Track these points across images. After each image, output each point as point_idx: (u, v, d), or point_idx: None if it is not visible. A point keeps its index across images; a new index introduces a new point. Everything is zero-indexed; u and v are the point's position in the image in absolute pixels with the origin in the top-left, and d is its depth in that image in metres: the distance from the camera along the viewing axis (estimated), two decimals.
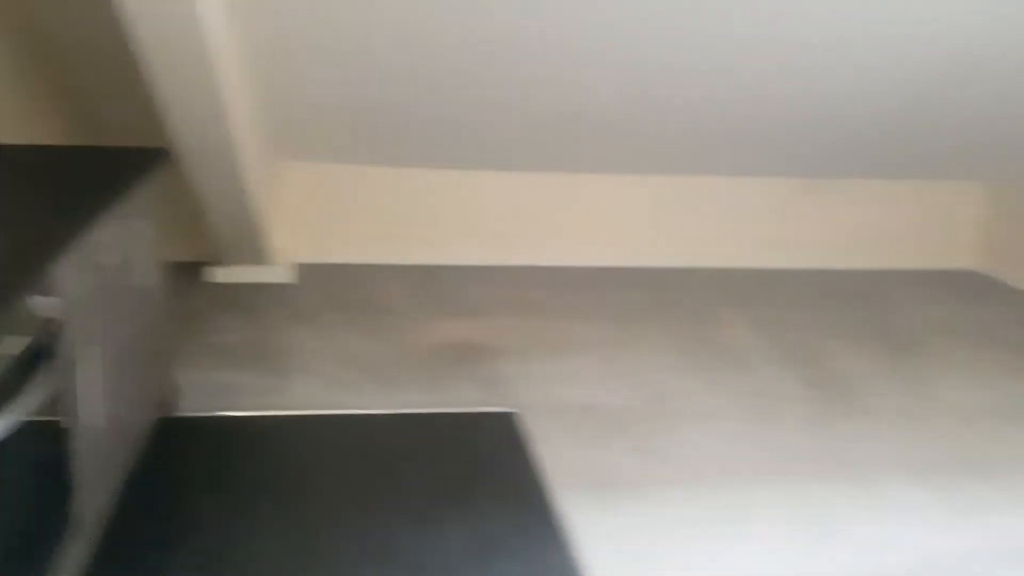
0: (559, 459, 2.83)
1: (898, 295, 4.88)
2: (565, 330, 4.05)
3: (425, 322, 4.05)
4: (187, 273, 4.34)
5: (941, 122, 4.55)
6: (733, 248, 5.32)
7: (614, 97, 4.21)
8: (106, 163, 2.64)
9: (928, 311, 4.60)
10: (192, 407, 3.06)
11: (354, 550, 2.34)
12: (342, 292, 4.42)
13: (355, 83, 3.99)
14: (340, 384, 3.33)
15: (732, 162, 5.04)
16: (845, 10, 3.52)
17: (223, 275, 4.42)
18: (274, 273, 4.50)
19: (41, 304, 1.89)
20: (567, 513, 2.52)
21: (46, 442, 2.02)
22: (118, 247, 2.36)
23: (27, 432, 1.93)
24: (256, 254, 4.37)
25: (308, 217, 4.90)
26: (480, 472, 2.78)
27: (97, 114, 4.24)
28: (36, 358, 1.96)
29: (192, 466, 2.77)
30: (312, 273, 4.62)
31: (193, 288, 4.26)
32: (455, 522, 2.47)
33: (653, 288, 4.79)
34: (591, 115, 4.38)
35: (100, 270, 2.19)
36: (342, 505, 2.56)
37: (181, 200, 3.82)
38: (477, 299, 4.43)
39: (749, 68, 3.97)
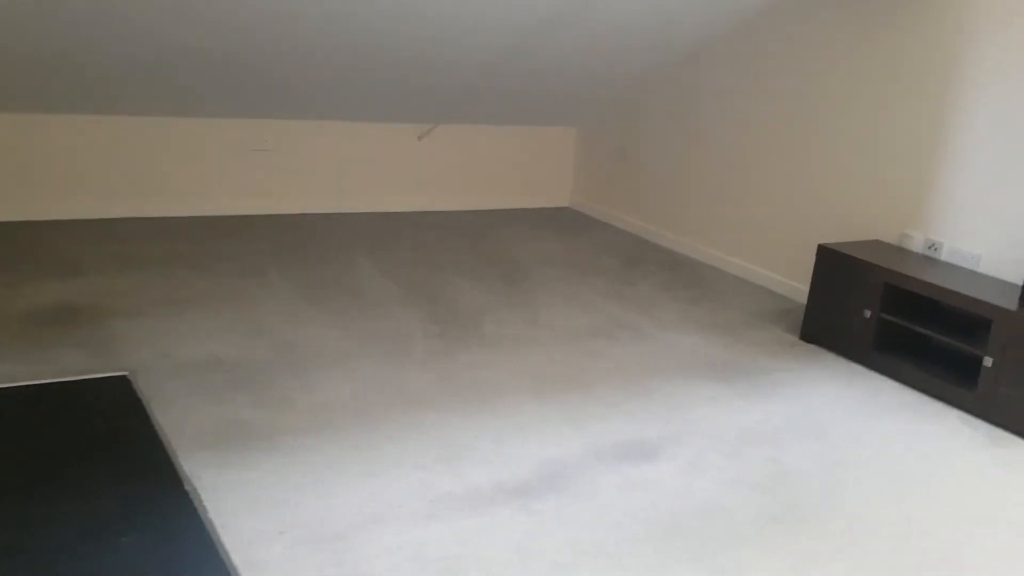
0: (183, 420, 2.68)
1: (508, 232, 5.23)
2: (181, 284, 3.81)
3: (15, 285, 3.59)
4: None
5: (537, 72, 4.90)
6: (359, 193, 5.35)
7: (223, 40, 3.99)
8: None
9: (534, 246, 4.99)
10: None
11: None
12: None
13: None
14: None
15: (353, 108, 5.03)
16: None
17: None
18: None
19: None
20: (196, 475, 2.40)
21: None
22: None
23: None
24: None
25: None
26: (95, 443, 2.54)
27: None
28: None
29: None
30: None
31: None
32: (69, 501, 2.24)
33: (277, 235, 4.68)
34: (189, 57, 4.12)
35: None
36: None
37: None
38: (78, 256, 4.01)
39: (371, 20, 3.97)
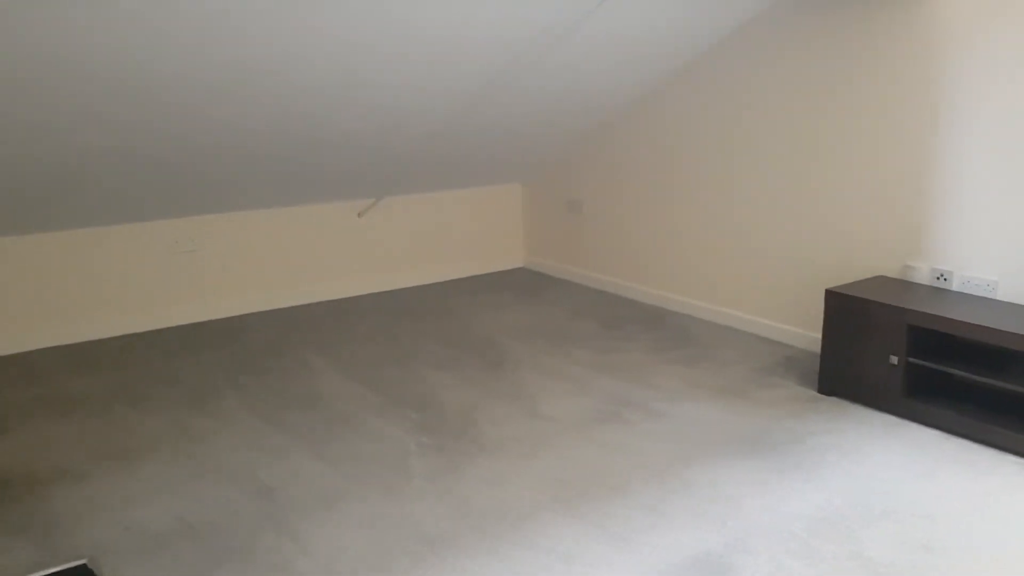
0: None
1: (469, 305, 4.83)
2: (124, 426, 3.29)
3: None
4: None
5: (479, 134, 4.55)
6: (300, 283, 4.88)
7: (131, 138, 3.51)
8: None
9: (501, 317, 4.61)
10: None
11: None
12: None
13: None
14: None
15: (283, 194, 4.58)
16: (388, 43, 3.26)
17: None
18: None
19: None
20: None
21: None
22: None
23: None
24: None
25: None
26: None
27: None
28: None
29: None
30: None
31: None
32: None
33: (219, 345, 4.17)
34: (94, 161, 3.63)
35: None
36: None
37: None
38: None
39: (299, 103, 3.55)
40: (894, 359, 3.27)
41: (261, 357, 4.03)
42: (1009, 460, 2.97)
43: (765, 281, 4.24)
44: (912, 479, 2.85)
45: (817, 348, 3.97)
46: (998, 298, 3.37)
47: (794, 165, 4.00)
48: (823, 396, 3.52)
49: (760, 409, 3.40)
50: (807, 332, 4.05)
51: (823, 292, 3.90)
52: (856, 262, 3.82)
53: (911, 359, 3.25)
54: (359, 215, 4.97)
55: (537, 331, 4.39)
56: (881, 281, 3.62)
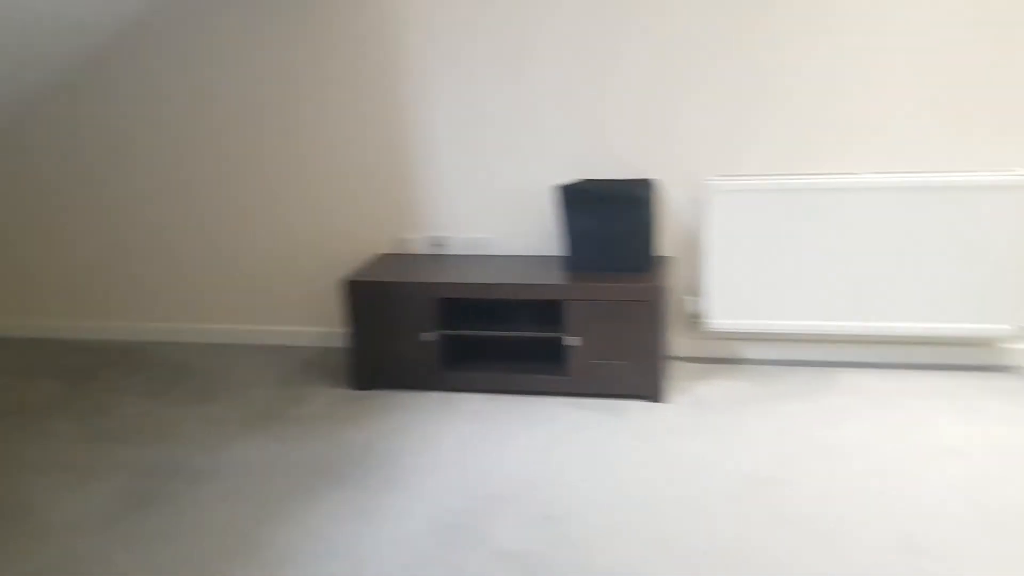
0: None
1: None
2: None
3: None
4: None
5: None
6: None
7: None
8: None
9: None
10: None
11: None
12: None
13: None
14: None
15: None
16: None
17: None
18: None
19: None
20: None
21: None
22: None
23: None
24: None
25: None
26: None
27: None
28: None
29: None
30: None
31: None
32: None
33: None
34: None
35: None
36: None
37: None
38: None
39: None
40: (429, 335, 3.18)
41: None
42: (553, 402, 3.11)
43: (251, 285, 3.82)
44: (497, 450, 2.80)
45: (331, 343, 3.74)
46: (500, 253, 3.49)
47: (263, 161, 3.62)
48: (363, 392, 3.30)
49: (310, 428, 3.05)
50: (314, 328, 3.78)
51: (319, 283, 3.68)
52: (345, 246, 3.63)
53: (444, 331, 3.19)
54: None
55: None
56: (385, 259, 3.49)
